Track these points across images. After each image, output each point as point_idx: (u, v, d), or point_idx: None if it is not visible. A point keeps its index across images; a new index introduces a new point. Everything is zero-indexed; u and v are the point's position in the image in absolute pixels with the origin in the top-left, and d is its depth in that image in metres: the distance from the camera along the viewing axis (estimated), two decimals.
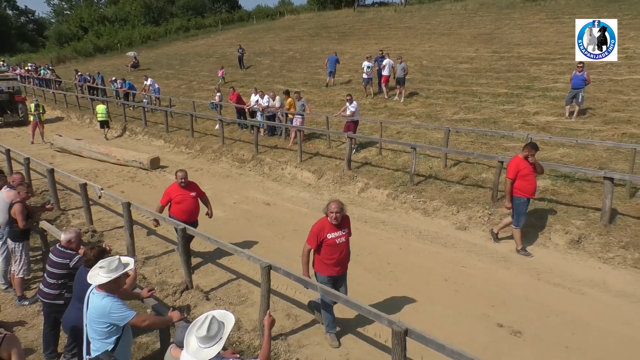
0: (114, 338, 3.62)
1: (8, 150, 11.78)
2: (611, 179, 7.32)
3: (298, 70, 24.36)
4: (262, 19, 52.19)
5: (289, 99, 14.47)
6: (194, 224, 6.92)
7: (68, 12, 72.35)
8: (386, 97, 16.98)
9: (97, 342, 3.62)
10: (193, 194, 6.95)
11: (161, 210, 6.91)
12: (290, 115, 14.43)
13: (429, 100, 16.03)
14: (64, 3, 76.18)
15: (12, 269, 6.30)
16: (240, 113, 16.31)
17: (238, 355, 3.31)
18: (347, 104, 12.71)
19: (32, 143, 17.25)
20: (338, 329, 5.32)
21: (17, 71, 33.54)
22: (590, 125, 11.94)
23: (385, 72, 16.93)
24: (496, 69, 18.10)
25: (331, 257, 4.94)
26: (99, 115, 17.73)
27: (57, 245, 4.86)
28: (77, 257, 4.68)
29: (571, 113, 12.65)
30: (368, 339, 5.28)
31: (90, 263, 3.83)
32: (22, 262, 6.15)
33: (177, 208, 6.80)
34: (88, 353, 3.67)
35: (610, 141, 10.42)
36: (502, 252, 7.42)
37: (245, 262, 6.43)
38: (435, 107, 15.22)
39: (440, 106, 15.27)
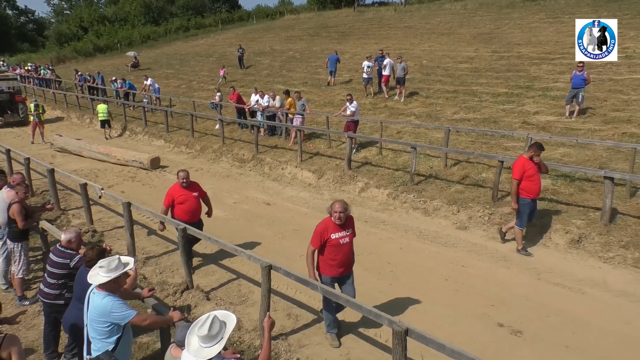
0: (114, 338, 3.62)
1: (8, 150, 11.78)
2: (611, 179, 7.32)
3: (298, 70, 24.36)
4: (262, 18, 52.18)
5: (289, 99, 14.47)
6: (197, 224, 6.89)
7: (68, 12, 72.36)
8: (386, 96, 16.98)
9: (97, 341, 3.62)
10: (195, 194, 6.92)
11: (166, 213, 6.86)
12: (290, 115, 14.44)
13: (429, 99, 16.03)
14: (63, 3, 76.19)
15: (12, 269, 6.31)
16: (241, 113, 16.31)
17: (239, 355, 3.32)
18: (347, 103, 12.71)
19: (32, 143, 17.26)
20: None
21: (17, 71, 33.53)
22: (590, 125, 11.95)
23: (386, 72, 16.93)
24: (496, 68, 18.09)
25: (335, 257, 4.91)
26: (99, 114, 17.75)
27: (57, 245, 4.86)
28: (77, 257, 4.68)
29: (571, 113, 12.65)
30: (368, 339, 5.29)
31: (90, 263, 3.84)
32: (21, 263, 6.15)
33: (180, 209, 6.77)
34: (89, 353, 3.68)
35: (611, 141, 10.43)
36: (502, 252, 7.42)
37: (246, 262, 6.44)
38: (436, 107, 15.22)
39: (440, 106, 15.27)
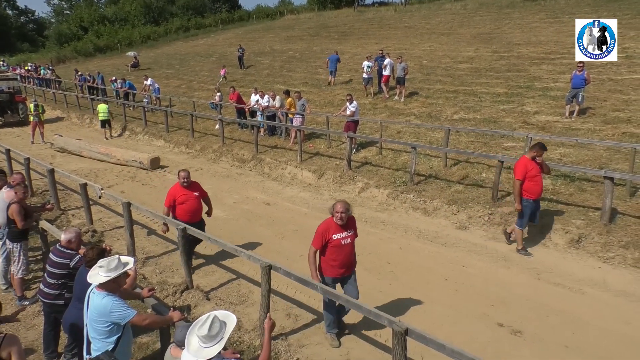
0: (114, 337, 3.62)
1: (8, 151, 11.78)
2: (611, 179, 7.31)
3: (298, 70, 24.36)
4: (262, 18, 52.18)
5: (289, 99, 14.47)
6: (198, 223, 6.87)
7: (68, 12, 72.36)
8: (387, 96, 16.97)
9: (97, 341, 3.62)
10: (196, 193, 6.89)
11: (167, 213, 6.82)
12: (290, 115, 14.44)
13: (429, 99, 16.03)
14: (63, 3, 76.20)
15: (12, 269, 6.31)
16: (241, 113, 16.31)
17: (238, 355, 3.32)
18: (347, 103, 12.71)
19: (32, 143, 17.26)
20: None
21: (17, 71, 33.53)
22: (590, 125, 11.95)
23: (386, 72, 16.93)
24: (496, 68, 18.09)
25: (336, 258, 4.89)
26: (100, 114, 17.77)
27: (57, 245, 4.86)
28: (77, 257, 4.68)
29: (571, 112, 12.65)
30: (368, 339, 5.28)
31: (90, 263, 3.84)
32: (20, 263, 6.15)
33: (181, 208, 6.74)
34: (88, 353, 3.68)
35: (610, 141, 10.43)
36: (502, 252, 7.42)
37: (246, 262, 6.44)
38: (436, 107, 15.22)
39: (440, 106, 15.27)
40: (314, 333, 5.42)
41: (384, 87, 17.21)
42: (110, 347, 3.61)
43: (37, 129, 17.45)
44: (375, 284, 6.50)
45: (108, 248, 4.62)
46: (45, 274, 4.81)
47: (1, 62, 39.97)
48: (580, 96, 12.34)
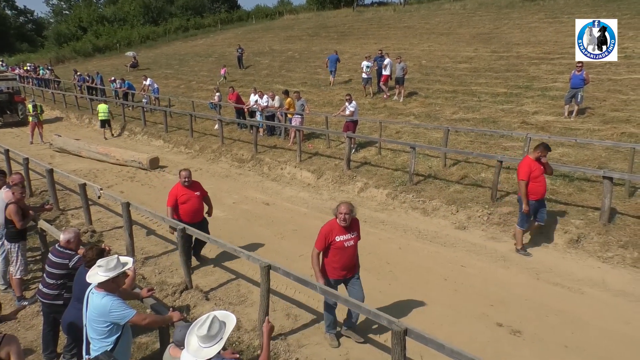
0: (113, 337, 3.62)
1: (7, 151, 11.77)
2: (610, 179, 7.31)
3: (297, 70, 24.36)
4: (261, 18, 52.17)
5: (288, 99, 14.47)
6: (200, 223, 6.86)
7: (67, 12, 72.23)
8: (387, 94, 16.98)
9: (97, 341, 3.62)
10: (197, 193, 6.88)
11: (172, 213, 6.75)
12: (289, 115, 14.43)
13: (428, 99, 16.04)
14: (62, 3, 76.09)
15: (10, 270, 6.30)
16: (240, 113, 16.31)
17: (238, 355, 3.31)
18: (347, 103, 12.72)
19: (32, 143, 17.24)
20: (339, 329, 5.32)
21: (16, 71, 33.49)
22: (589, 125, 11.96)
23: (386, 72, 16.94)
24: (495, 68, 18.11)
25: (339, 260, 4.86)
26: (100, 114, 17.77)
27: (56, 245, 4.85)
28: (76, 257, 4.67)
29: (570, 112, 12.67)
30: (368, 339, 5.28)
31: (90, 263, 3.83)
32: (19, 263, 6.14)
33: (182, 208, 6.72)
34: (88, 353, 3.68)
35: (609, 140, 10.44)
36: (501, 252, 7.43)
37: (245, 262, 6.44)
38: (435, 107, 15.23)
39: (439, 106, 15.28)
40: (314, 333, 5.42)
41: (384, 87, 17.22)
42: (109, 347, 3.60)
43: (36, 129, 17.43)
44: (375, 284, 6.49)
45: (107, 248, 4.61)
46: (44, 274, 4.80)
47: (0, 62, 39.91)
48: (579, 96, 12.35)
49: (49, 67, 34.59)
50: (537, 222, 7.29)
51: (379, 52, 17.91)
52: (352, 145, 11.75)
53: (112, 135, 18.29)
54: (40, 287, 4.79)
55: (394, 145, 12.22)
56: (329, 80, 20.30)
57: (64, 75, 32.71)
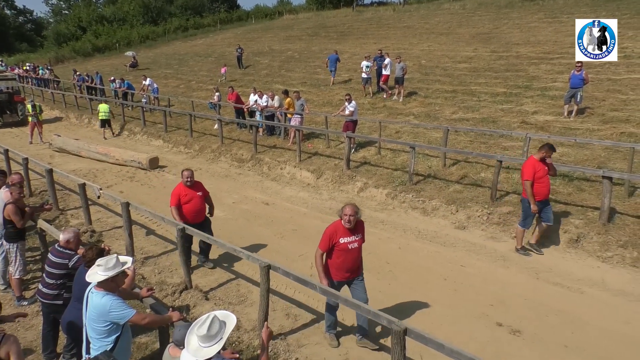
0: (113, 337, 3.62)
1: (6, 151, 11.76)
2: (610, 178, 7.31)
3: (297, 70, 24.36)
4: (261, 18, 52.16)
5: (288, 99, 14.47)
6: (203, 223, 6.83)
7: (66, 12, 72.19)
8: (389, 92, 16.98)
9: (96, 341, 3.62)
10: (199, 193, 6.86)
11: (177, 213, 6.68)
12: (289, 115, 14.43)
13: (428, 99, 16.04)
14: (62, 3, 76.05)
15: (10, 270, 6.30)
16: (239, 113, 16.31)
17: (237, 355, 3.31)
18: (346, 103, 12.72)
19: (31, 143, 17.22)
20: (339, 329, 5.32)
21: (16, 71, 33.45)
22: (588, 125, 11.97)
23: (386, 72, 16.95)
24: (495, 68, 18.11)
25: (342, 262, 4.84)
26: (100, 113, 17.78)
27: (55, 245, 4.85)
28: (75, 257, 4.67)
29: (570, 112, 12.67)
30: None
31: (90, 263, 3.83)
32: (17, 263, 6.14)
33: (184, 208, 6.69)
34: (88, 352, 3.67)
35: (609, 140, 10.44)
36: (501, 252, 7.43)
37: (245, 261, 6.43)
38: (434, 107, 15.23)
39: (439, 106, 15.28)
40: (313, 333, 5.42)
41: (384, 87, 17.22)
42: (109, 347, 3.60)
43: (35, 129, 17.42)
44: (375, 283, 6.48)
45: (107, 248, 4.60)
46: (44, 274, 4.80)
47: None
48: (578, 96, 12.36)
49: (49, 67, 34.55)
50: (545, 223, 7.18)
51: (379, 52, 17.91)
52: (351, 145, 11.75)
53: (113, 135, 18.29)
54: (40, 287, 4.79)
55: (393, 145, 12.22)
56: (329, 80, 20.30)
57: (64, 75, 32.69)
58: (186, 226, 6.25)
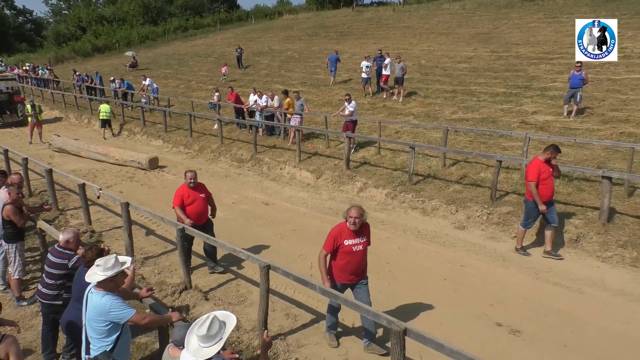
0: (113, 337, 3.62)
1: (6, 151, 11.76)
2: (609, 178, 7.31)
3: (297, 70, 24.36)
4: (261, 18, 52.15)
5: (288, 99, 14.47)
6: (204, 225, 6.77)
7: (66, 12, 72.16)
8: (390, 92, 16.99)
9: (96, 341, 3.62)
10: (202, 195, 6.79)
11: (182, 212, 6.59)
12: (288, 115, 14.43)
13: (428, 99, 16.04)
14: (62, 3, 76.02)
15: (9, 270, 6.30)
16: (239, 113, 16.31)
17: (237, 355, 3.32)
18: (346, 103, 12.72)
19: (31, 143, 17.21)
20: (339, 329, 5.32)
21: (15, 71, 33.44)
22: (588, 125, 11.97)
23: (386, 72, 16.95)
24: (494, 68, 18.12)
25: (346, 264, 4.81)
26: (101, 113, 17.79)
27: (55, 245, 4.85)
28: (75, 257, 4.67)
29: (569, 112, 12.68)
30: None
31: (89, 263, 3.83)
32: (17, 264, 6.14)
33: (187, 210, 6.62)
34: (87, 353, 3.68)
35: (609, 140, 10.45)
36: (500, 252, 7.43)
37: (244, 262, 6.44)
38: (434, 107, 15.23)
39: (438, 106, 15.28)
40: (313, 333, 5.42)
41: (385, 87, 17.23)
42: (109, 347, 3.60)
43: (35, 129, 17.42)
44: (374, 283, 6.45)
45: (106, 248, 4.60)
46: (44, 275, 4.80)
47: None
48: (578, 96, 12.37)
49: (48, 67, 34.55)
50: (551, 224, 7.10)
51: (379, 52, 17.92)
52: (351, 145, 11.74)
53: (112, 135, 18.29)
54: (40, 287, 4.79)
55: (393, 145, 12.22)
56: (329, 80, 20.29)
57: (63, 75, 32.68)
58: (186, 226, 6.23)
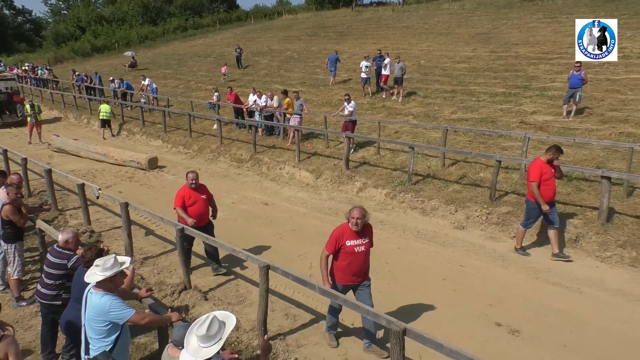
0: (113, 337, 3.62)
1: (5, 151, 11.75)
2: (609, 178, 7.32)
3: (296, 70, 24.36)
4: (260, 18, 52.16)
5: (287, 99, 14.47)
6: (206, 226, 6.74)
7: (65, 12, 72.13)
8: (390, 92, 16.99)
9: (96, 341, 3.62)
10: (204, 196, 6.75)
11: (184, 213, 6.56)
12: (288, 115, 14.43)
13: (427, 99, 16.05)
14: (61, 3, 75.98)
15: (8, 270, 6.29)
16: (238, 113, 16.31)
17: (237, 355, 3.31)
18: (345, 103, 12.72)
19: (30, 143, 17.20)
20: (339, 330, 5.32)
21: (14, 71, 33.41)
22: (587, 125, 11.98)
23: (386, 72, 16.96)
24: (494, 68, 18.13)
25: (348, 265, 4.80)
26: (101, 113, 17.79)
27: (54, 245, 4.84)
28: (74, 257, 4.66)
29: (569, 112, 12.69)
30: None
31: (89, 263, 3.83)
32: (16, 264, 6.13)
33: (188, 211, 6.58)
34: (87, 353, 3.67)
35: (608, 140, 10.45)
36: (500, 252, 7.43)
37: (244, 262, 6.43)
38: (433, 107, 15.24)
39: (438, 106, 15.29)
40: (312, 333, 5.42)
41: (385, 87, 17.23)
42: (108, 347, 3.60)
43: (34, 129, 17.40)
44: (374, 283, 6.42)
45: (106, 248, 4.60)
46: (43, 275, 4.79)
47: None
48: (577, 96, 12.38)
49: (48, 67, 34.52)
50: (552, 225, 7.07)
51: (378, 52, 17.93)
52: (350, 145, 11.74)
53: (112, 135, 18.28)
54: (39, 287, 4.78)
55: (392, 145, 12.23)
56: (329, 80, 20.29)
57: (63, 75, 32.65)
58: (185, 226, 6.23)
